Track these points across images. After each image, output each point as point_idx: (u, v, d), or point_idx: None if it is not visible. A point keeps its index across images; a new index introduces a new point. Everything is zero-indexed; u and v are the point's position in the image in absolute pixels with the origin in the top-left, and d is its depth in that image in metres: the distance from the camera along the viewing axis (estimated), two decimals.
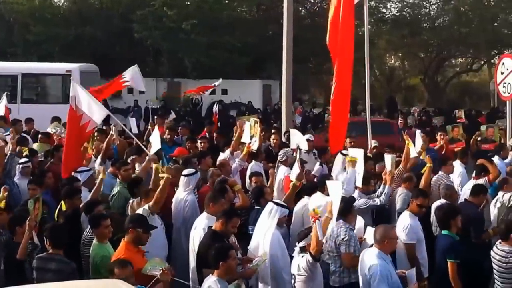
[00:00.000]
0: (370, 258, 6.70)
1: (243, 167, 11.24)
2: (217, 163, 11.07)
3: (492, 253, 7.13)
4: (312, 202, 8.75)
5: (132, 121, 15.91)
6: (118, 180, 9.68)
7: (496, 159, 11.08)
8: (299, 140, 11.79)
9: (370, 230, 7.60)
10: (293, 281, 6.97)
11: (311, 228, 6.89)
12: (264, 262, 6.91)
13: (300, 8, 38.70)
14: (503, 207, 8.96)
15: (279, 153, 11.36)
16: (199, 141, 12.98)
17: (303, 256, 6.80)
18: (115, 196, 9.17)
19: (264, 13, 38.34)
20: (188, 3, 33.07)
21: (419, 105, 40.38)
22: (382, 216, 9.45)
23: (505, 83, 13.09)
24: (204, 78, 29.25)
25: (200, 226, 7.62)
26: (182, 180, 9.00)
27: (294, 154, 10.97)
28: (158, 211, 8.02)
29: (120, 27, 31.83)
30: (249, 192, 9.57)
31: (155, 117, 13.16)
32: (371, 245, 7.02)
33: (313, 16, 39.91)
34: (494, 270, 7.08)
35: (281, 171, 10.77)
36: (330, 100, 13.23)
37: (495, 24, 41.07)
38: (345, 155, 10.11)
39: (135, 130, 15.11)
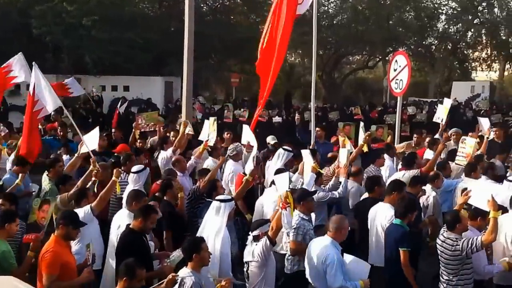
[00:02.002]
0: (324, 247, 6.84)
1: (198, 164, 11.41)
2: (161, 159, 11.31)
3: (438, 241, 7.34)
4: (266, 196, 9.16)
5: None
6: (47, 177, 9.70)
7: (387, 158, 11.68)
8: (249, 136, 11.92)
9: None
10: (245, 269, 7.05)
11: (265, 220, 7.26)
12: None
13: (202, 5, 38.61)
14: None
15: (229, 148, 11.57)
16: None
17: (256, 244, 6.92)
18: (47, 194, 9.17)
19: (166, 9, 38.00)
20: None
21: (317, 101, 41.41)
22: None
23: (397, 79, 13.35)
24: (105, 74, 28.88)
25: (124, 225, 7.61)
26: (132, 176, 9.05)
27: (246, 151, 11.42)
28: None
29: (18, 23, 30.71)
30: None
31: (52, 113, 12.90)
32: None
33: (215, 13, 39.95)
34: (440, 258, 7.29)
35: (229, 165, 11.12)
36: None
37: (390, 22, 42.72)
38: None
39: None
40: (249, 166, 9.43)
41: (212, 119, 12.45)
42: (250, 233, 7.25)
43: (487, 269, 7.46)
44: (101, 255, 7.90)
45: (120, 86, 31.60)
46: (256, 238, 7.04)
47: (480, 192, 7.50)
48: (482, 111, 29.07)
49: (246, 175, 9.34)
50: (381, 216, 8.23)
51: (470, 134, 13.85)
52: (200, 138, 12.13)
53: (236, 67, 41.13)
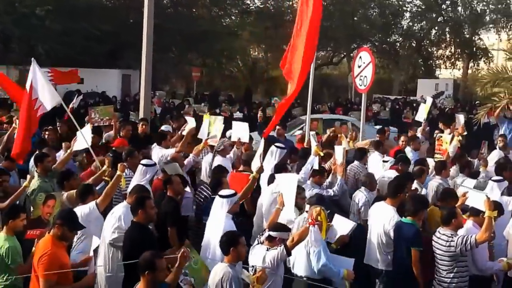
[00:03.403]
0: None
1: (196, 161, 11.38)
2: (159, 157, 11.08)
3: (434, 237, 7.41)
4: (264, 196, 9.13)
5: None
6: (35, 173, 9.51)
7: (376, 154, 11.78)
8: (241, 133, 12.07)
9: (338, 217, 7.90)
10: (251, 273, 6.82)
11: (286, 226, 7.03)
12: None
13: None
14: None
15: (216, 143, 11.62)
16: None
17: (268, 249, 6.74)
18: (35, 191, 9.00)
19: (125, 0, 37.65)
20: None
21: (280, 96, 41.43)
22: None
23: (361, 76, 13.38)
24: (59, 66, 28.22)
25: (118, 211, 7.75)
26: (141, 168, 9.17)
27: (236, 147, 11.66)
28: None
29: None
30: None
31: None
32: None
33: (176, 5, 39.70)
34: (435, 254, 7.35)
35: (217, 161, 11.07)
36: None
37: (355, 19, 43.09)
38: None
39: None
40: (256, 163, 9.51)
41: (213, 117, 12.37)
42: (266, 230, 7.10)
43: (488, 265, 7.57)
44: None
45: None
46: (270, 240, 6.86)
47: (477, 193, 7.74)
48: (447, 109, 29.38)
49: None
50: (384, 218, 8.08)
51: (442, 126, 14.33)
52: (199, 136, 12.00)
53: (198, 61, 40.91)
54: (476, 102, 29.48)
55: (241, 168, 10.65)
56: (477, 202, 7.51)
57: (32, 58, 10.39)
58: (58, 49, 29.70)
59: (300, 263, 7.15)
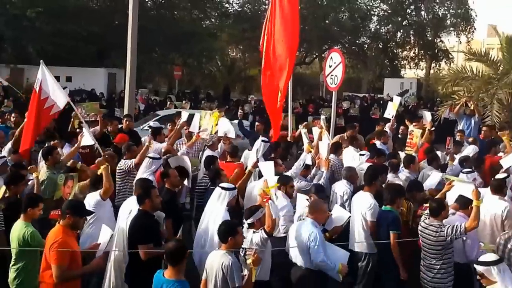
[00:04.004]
0: (306, 227, 7.14)
1: (190, 154, 11.33)
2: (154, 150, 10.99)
3: (420, 227, 7.45)
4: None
5: None
6: (45, 165, 9.43)
7: (351, 148, 11.77)
8: (227, 128, 12.18)
9: (337, 208, 8.01)
10: (242, 254, 6.91)
11: (257, 206, 7.19)
12: None
13: (147, 0, 38.19)
14: None
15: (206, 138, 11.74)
16: None
17: (254, 232, 6.90)
18: (45, 182, 8.96)
19: (111, 3, 37.34)
20: None
21: (257, 94, 41.43)
22: None
23: (332, 75, 13.28)
24: (48, 65, 27.95)
25: (135, 210, 7.57)
26: (146, 161, 9.26)
27: (223, 141, 11.79)
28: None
29: None
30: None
31: None
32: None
33: (159, 8, 39.52)
34: (422, 243, 7.40)
35: (207, 155, 11.06)
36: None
37: (326, 22, 43.14)
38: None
39: None
40: (252, 158, 9.50)
41: (204, 113, 12.45)
42: (244, 220, 7.22)
43: (479, 254, 7.45)
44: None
45: (63, 77, 30.62)
46: (251, 225, 7.02)
47: (464, 183, 7.90)
48: (410, 105, 29.59)
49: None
50: (362, 204, 8.24)
51: (414, 124, 14.39)
52: (191, 130, 12.02)
53: (179, 60, 40.76)
54: (438, 99, 29.78)
55: (228, 159, 10.69)
56: (464, 192, 7.58)
57: (41, 61, 10.41)
58: (48, 49, 29.54)
59: (299, 255, 7.20)
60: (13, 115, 14.09)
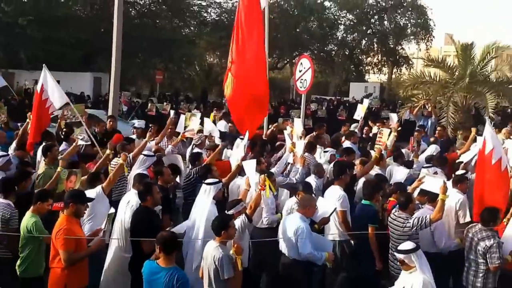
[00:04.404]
0: (295, 221, 7.16)
1: (174, 152, 11.37)
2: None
3: (390, 219, 7.58)
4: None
5: None
6: (43, 161, 9.50)
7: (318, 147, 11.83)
8: (211, 128, 12.39)
9: (321, 200, 8.01)
10: None
11: (238, 200, 7.43)
12: None
13: (131, 9, 37.91)
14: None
15: (194, 138, 11.81)
16: None
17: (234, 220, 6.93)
18: (40, 176, 9.01)
19: (97, 12, 37.06)
20: (25, 0, 31.46)
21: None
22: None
23: (302, 79, 13.44)
24: (38, 69, 27.70)
25: (133, 202, 7.61)
26: (141, 158, 9.29)
27: (208, 140, 11.77)
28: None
29: None
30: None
31: None
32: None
33: (142, 16, 39.35)
34: (391, 233, 7.48)
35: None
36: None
37: (297, 30, 43.27)
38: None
39: None
40: (240, 153, 9.50)
41: (189, 114, 12.67)
42: (226, 211, 7.25)
43: (447, 244, 7.68)
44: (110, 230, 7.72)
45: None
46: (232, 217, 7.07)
47: (433, 178, 7.94)
48: (374, 108, 29.80)
49: None
50: (333, 196, 8.36)
51: (378, 125, 14.83)
52: (178, 130, 12.14)
53: (161, 65, 40.58)
54: (399, 102, 30.01)
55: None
56: (433, 186, 7.65)
57: (44, 65, 10.63)
58: (38, 54, 29.31)
59: (288, 248, 7.23)
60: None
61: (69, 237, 6.26)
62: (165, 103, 24.32)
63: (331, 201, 8.18)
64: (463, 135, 15.57)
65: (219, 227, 6.29)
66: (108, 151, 9.32)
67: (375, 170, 10.14)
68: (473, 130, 12.18)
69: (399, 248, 5.96)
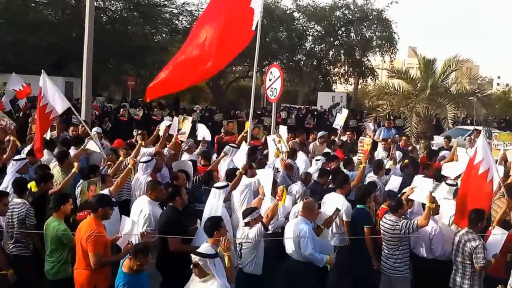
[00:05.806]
0: (298, 224, 7.34)
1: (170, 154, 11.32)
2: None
3: (381, 222, 7.77)
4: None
5: None
6: (58, 167, 9.47)
7: (301, 154, 12.13)
8: (204, 133, 12.49)
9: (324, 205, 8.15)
10: (238, 248, 7.19)
11: (253, 208, 7.47)
12: None
13: (102, 15, 37.58)
14: None
15: (183, 143, 11.78)
16: None
17: (250, 228, 7.08)
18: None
19: (68, 16, 36.71)
20: None
21: (203, 103, 41.31)
22: None
23: (272, 88, 13.37)
24: (9, 72, 27.24)
25: (146, 211, 7.58)
26: (141, 166, 9.28)
27: (201, 145, 11.94)
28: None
29: None
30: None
31: None
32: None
33: (114, 22, 39.01)
34: (382, 236, 7.68)
35: (184, 157, 11.40)
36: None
37: (267, 40, 43.42)
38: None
39: None
40: (242, 160, 9.54)
41: (182, 117, 12.55)
42: (241, 220, 7.37)
43: (445, 251, 7.73)
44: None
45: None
46: (247, 224, 7.19)
47: (420, 188, 8.01)
48: None
49: None
50: (337, 205, 8.36)
51: (348, 134, 15.31)
52: (170, 132, 11.95)
53: (133, 71, 40.26)
54: (365, 111, 30.38)
55: (202, 162, 10.89)
56: (421, 196, 7.80)
57: (42, 70, 10.52)
58: (9, 58, 28.95)
59: (292, 249, 7.34)
60: None
61: (99, 240, 6.37)
62: (137, 109, 24.25)
63: (334, 206, 8.30)
64: (425, 144, 15.87)
65: (211, 228, 6.36)
66: (121, 158, 9.39)
67: (373, 178, 10.29)
68: (455, 142, 12.45)
69: (198, 250, 5.75)
